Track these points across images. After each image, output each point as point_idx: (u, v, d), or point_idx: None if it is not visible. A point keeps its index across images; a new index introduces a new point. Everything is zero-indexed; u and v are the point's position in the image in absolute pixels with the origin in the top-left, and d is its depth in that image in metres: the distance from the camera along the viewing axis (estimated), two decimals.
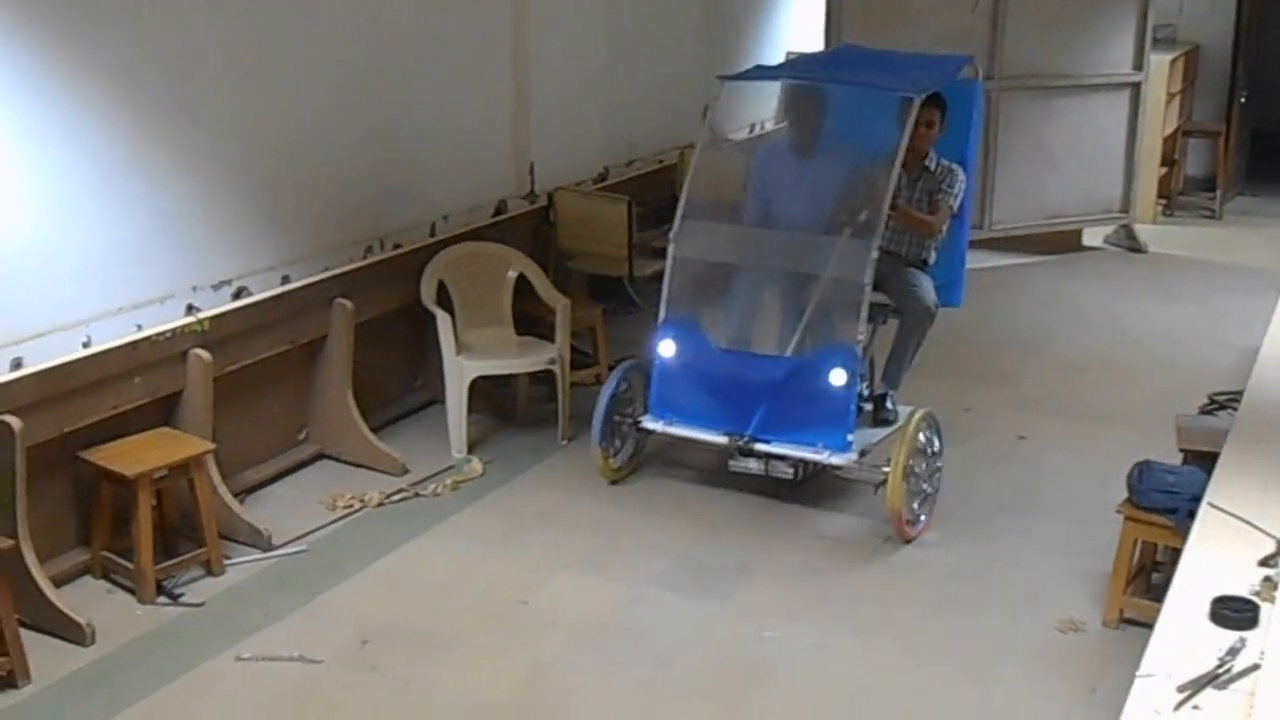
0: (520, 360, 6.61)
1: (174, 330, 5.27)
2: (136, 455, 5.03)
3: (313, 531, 5.60)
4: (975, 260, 10.24)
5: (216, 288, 5.57)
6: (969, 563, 5.53)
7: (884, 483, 5.54)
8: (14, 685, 4.45)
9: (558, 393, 6.60)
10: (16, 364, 4.71)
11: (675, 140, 8.96)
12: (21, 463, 4.57)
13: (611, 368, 6.76)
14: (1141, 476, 4.94)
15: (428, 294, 6.46)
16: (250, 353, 5.68)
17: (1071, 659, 4.82)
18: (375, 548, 5.45)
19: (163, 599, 5.04)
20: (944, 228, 6.17)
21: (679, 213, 5.94)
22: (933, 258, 6.27)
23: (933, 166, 6.14)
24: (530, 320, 6.87)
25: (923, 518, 5.74)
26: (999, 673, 4.74)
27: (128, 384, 5.07)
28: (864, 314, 5.57)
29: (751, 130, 9.19)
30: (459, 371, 6.32)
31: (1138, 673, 3.14)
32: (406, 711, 4.47)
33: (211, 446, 5.28)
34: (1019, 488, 6.26)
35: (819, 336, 5.83)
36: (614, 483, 6.05)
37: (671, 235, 5.91)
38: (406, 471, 6.14)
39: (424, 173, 6.79)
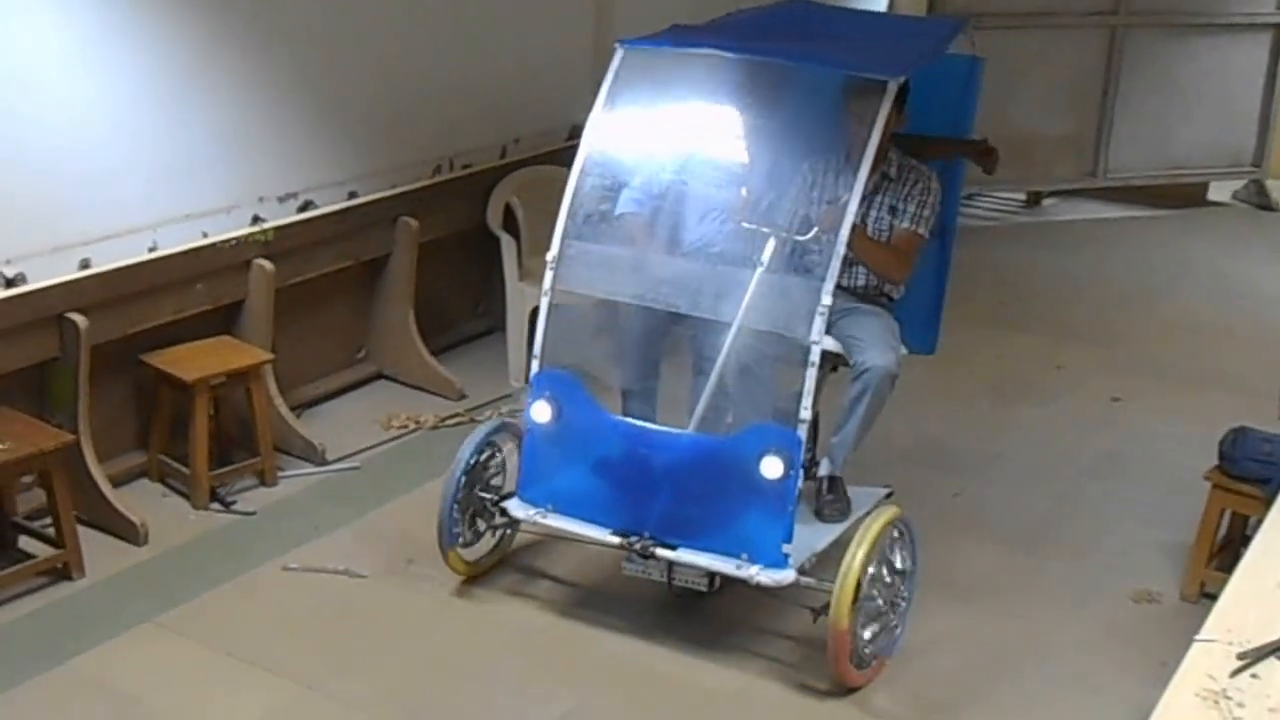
0: None
1: (238, 239, 5.79)
2: (196, 361, 5.57)
3: (366, 449, 6.12)
4: (1086, 210, 10.68)
5: (283, 199, 6.07)
6: (1045, 526, 5.87)
7: (826, 609, 4.54)
8: (68, 577, 5.02)
9: None
10: (85, 264, 5.25)
11: None
12: (85, 361, 5.13)
13: None
14: (1236, 443, 5.14)
15: (494, 217, 6.91)
16: (313, 266, 6.20)
17: (1144, 631, 5.09)
18: (427, 469, 5.84)
19: (215, 505, 5.59)
20: (912, 268, 5.17)
21: (559, 229, 4.84)
22: (899, 291, 5.29)
23: (894, 172, 5.11)
24: None
25: (877, 657, 4.71)
26: (1067, 639, 5.06)
27: (191, 290, 5.60)
28: (810, 384, 4.49)
29: None
30: (521, 298, 6.74)
31: (1197, 636, 3.27)
32: (447, 629, 4.96)
33: (270, 357, 5.81)
34: (1107, 451, 6.58)
35: (747, 410, 4.85)
36: (471, 579, 5.18)
37: (549, 259, 4.83)
38: (463, 397, 6.62)
39: (497, 93, 7.20)
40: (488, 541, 5.17)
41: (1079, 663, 4.93)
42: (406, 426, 6.33)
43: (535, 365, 4.83)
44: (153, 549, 5.28)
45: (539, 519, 4.81)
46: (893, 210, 5.09)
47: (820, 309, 4.44)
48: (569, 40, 7.74)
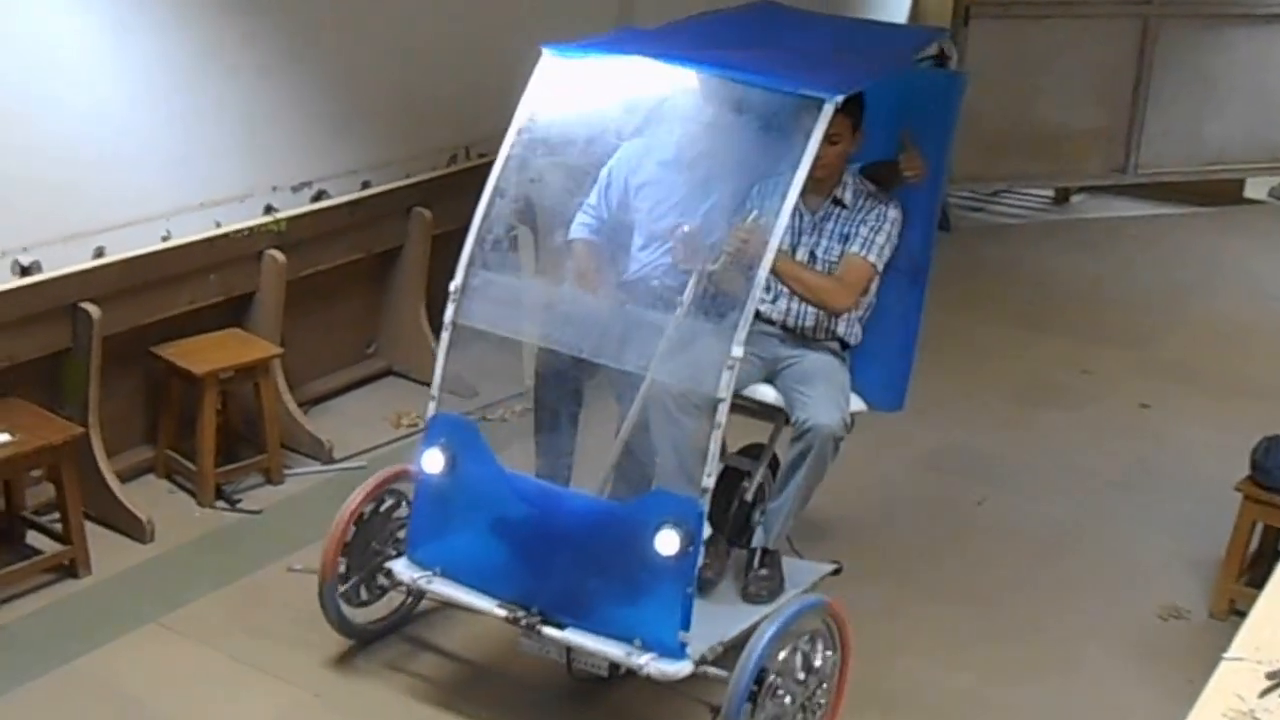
0: None
1: (251, 229, 5.90)
2: (206, 354, 5.68)
3: (375, 448, 6.22)
4: (1116, 207, 10.71)
5: (296, 189, 6.18)
6: (1070, 537, 5.94)
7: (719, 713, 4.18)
8: (74, 575, 5.13)
9: None
10: (99, 253, 5.35)
11: None
12: (97, 352, 5.23)
13: None
14: (1269, 452, 5.17)
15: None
16: (325, 258, 6.30)
17: (1171, 648, 5.15)
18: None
19: (221, 504, 5.70)
20: (855, 298, 4.73)
21: (464, 255, 4.48)
22: (855, 335, 4.86)
23: (847, 199, 4.73)
24: None
25: None
26: (1090, 655, 5.11)
27: (204, 281, 5.71)
28: (714, 448, 4.04)
29: None
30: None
31: (1225, 655, 3.27)
32: (453, 631, 4.99)
33: (279, 351, 5.91)
34: (1135, 460, 6.64)
35: (644, 475, 4.53)
36: (369, 643, 4.88)
37: (452, 290, 4.48)
38: (475, 395, 6.61)
39: (514, 81, 7.26)
40: (394, 599, 4.89)
41: (1103, 680, 4.99)
42: (416, 425, 6.40)
43: (431, 407, 4.50)
44: (158, 547, 5.38)
45: (423, 584, 4.46)
46: (845, 239, 4.69)
47: (729, 361, 4.00)
48: (588, 27, 7.79)
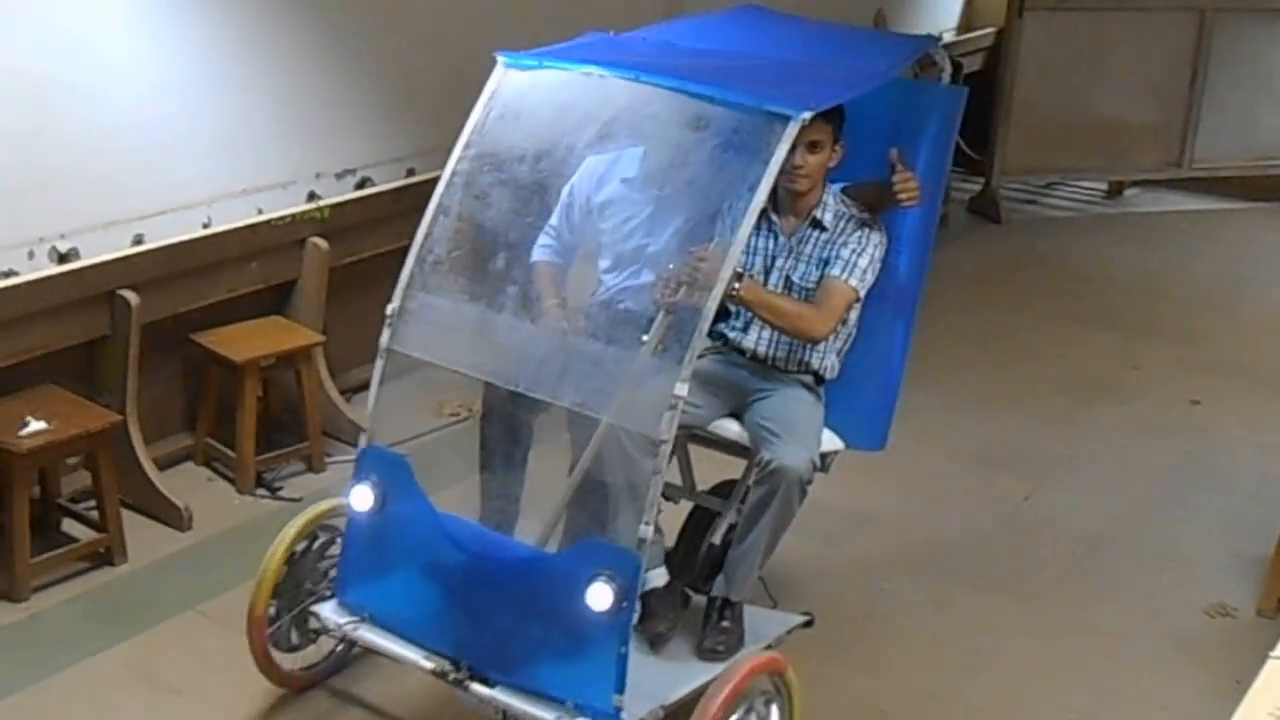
0: None
1: (294, 216, 5.83)
2: (246, 341, 5.61)
3: (416, 437, 6.09)
4: (1170, 202, 10.59)
5: (340, 176, 6.11)
6: (1117, 533, 5.83)
7: None
8: (110, 563, 5.08)
9: None
10: (138, 240, 5.30)
11: None
12: (136, 340, 5.17)
13: None
14: None
15: None
16: (368, 245, 6.21)
17: (1217, 646, 5.07)
18: (476, 461, 5.90)
19: (261, 491, 5.63)
20: (833, 326, 4.27)
21: (404, 276, 4.15)
22: (831, 368, 4.46)
23: (827, 220, 4.31)
24: None
25: None
26: (1136, 652, 5.04)
27: (244, 268, 5.64)
28: (654, 494, 3.66)
29: None
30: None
31: (1272, 654, 3.28)
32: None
33: (321, 339, 5.84)
34: (1184, 456, 6.53)
35: (581, 523, 4.14)
36: (303, 690, 4.52)
37: (388, 313, 4.16)
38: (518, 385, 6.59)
39: None
40: (327, 645, 4.49)
41: (1148, 677, 4.92)
42: (458, 414, 6.33)
43: (362, 439, 4.17)
44: (196, 535, 5.32)
45: (350, 631, 4.09)
46: (824, 263, 4.27)
47: (671, 401, 3.61)
48: (637, 10, 7.72)
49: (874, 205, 4.33)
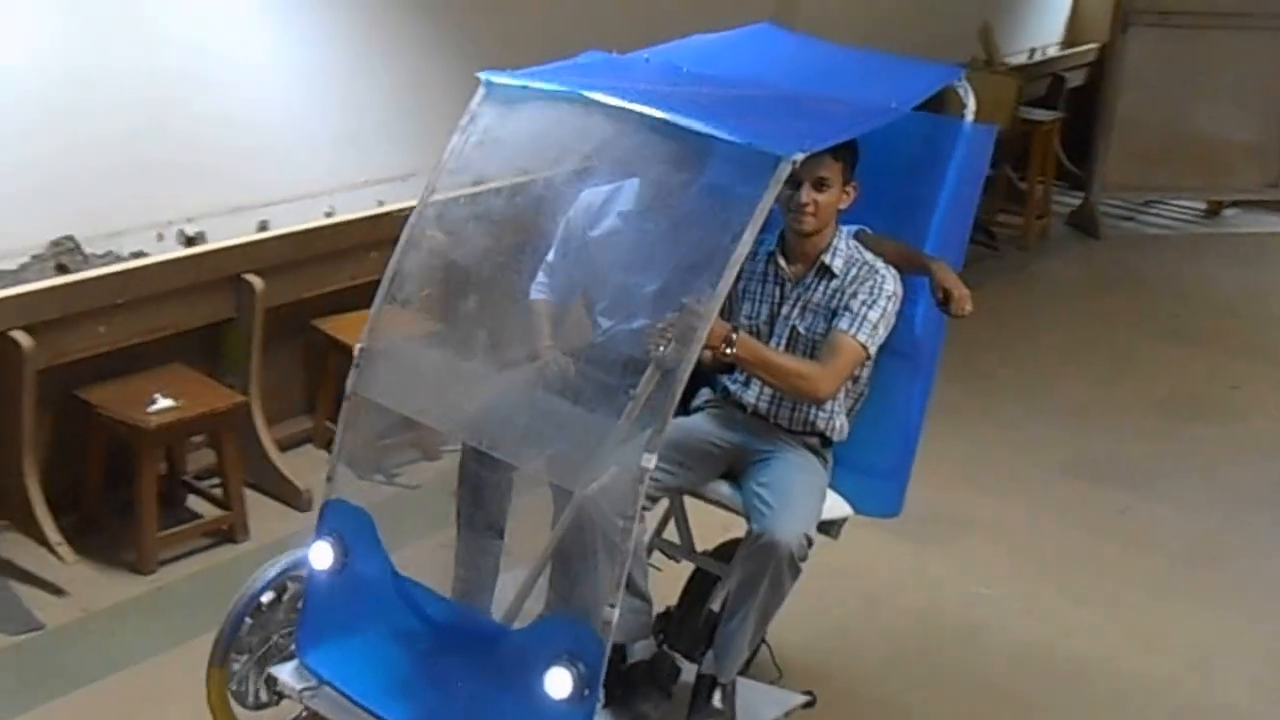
0: None
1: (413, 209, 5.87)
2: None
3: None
4: (1270, 223, 10.47)
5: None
6: (1210, 550, 5.78)
7: None
8: (233, 540, 5.18)
9: None
10: (263, 226, 5.42)
11: (942, 59, 9.24)
12: (259, 323, 5.28)
13: None
14: None
15: None
16: None
17: None
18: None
19: (379, 476, 5.69)
20: (838, 385, 3.82)
21: (373, 313, 3.77)
22: (839, 429, 3.99)
23: (837, 266, 3.85)
24: None
25: None
26: (1223, 668, 4.99)
27: (365, 257, 5.70)
28: (621, 575, 3.25)
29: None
30: None
31: None
32: None
33: (439, 328, 5.89)
34: None
35: (561, 595, 3.69)
36: None
37: (356, 351, 3.75)
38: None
39: None
40: (291, 707, 3.92)
41: (1235, 694, 4.87)
42: None
43: (325, 489, 3.78)
44: (314, 516, 5.37)
45: (306, 699, 3.68)
46: (832, 315, 3.82)
47: (638, 474, 3.20)
48: (747, 12, 7.73)
49: (895, 263, 3.88)
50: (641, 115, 3.44)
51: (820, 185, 3.71)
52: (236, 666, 3.90)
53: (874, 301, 3.76)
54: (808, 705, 4.22)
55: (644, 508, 3.42)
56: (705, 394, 4.01)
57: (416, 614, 3.59)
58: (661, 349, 3.28)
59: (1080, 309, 8.69)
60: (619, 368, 3.51)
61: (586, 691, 3.24)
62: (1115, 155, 10.00)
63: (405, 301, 3.78)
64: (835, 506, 4.04)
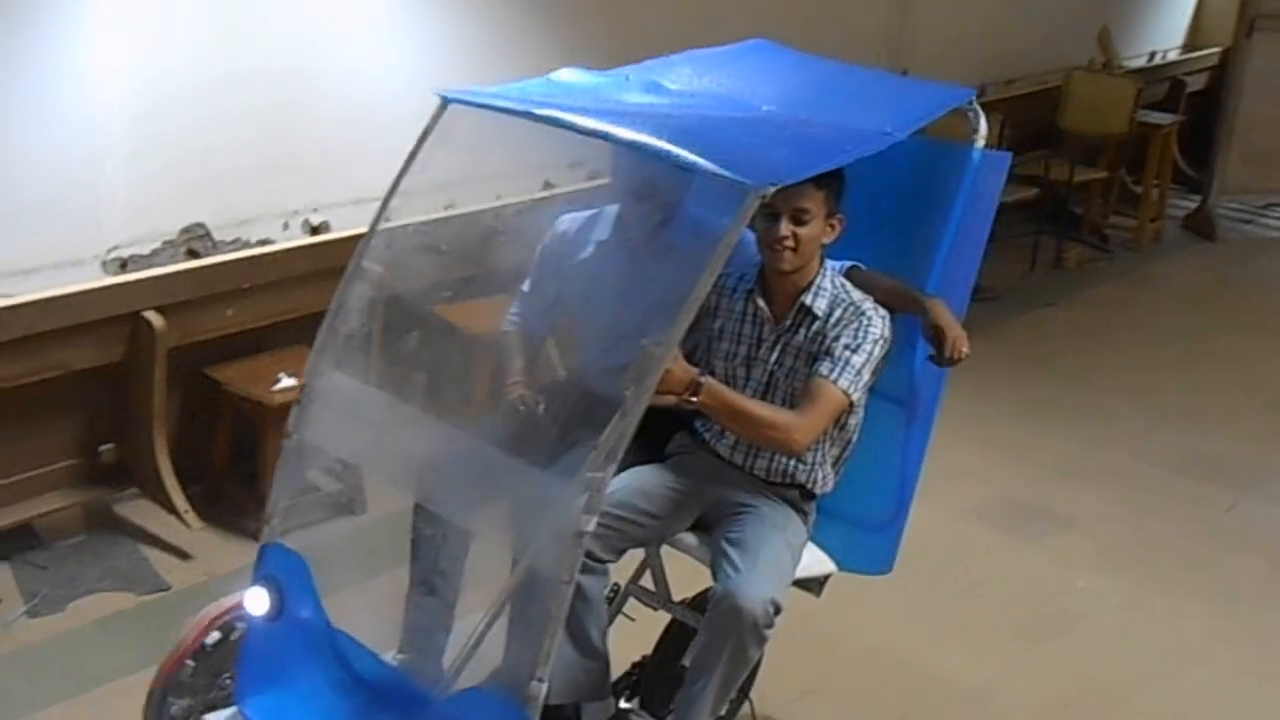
0: None
1: (533, 202, 5.95)
2: (478, 321, 5.76)
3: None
4: None
5: (572, 167, 6.19)
6: None
7: None
8: (352, 511, 5.33)
9: None
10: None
11: (1059, 61, 9.21)
12: (381, 311, 5.36)
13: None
14: None
15: None
16: None
17: None
18: None
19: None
20: (815, 436, 3.41)
21: (316, 346, 3.44)
22: (822, 481, 3.61)
23: (820, 307, 3.45)
24: None
25: None
26: None
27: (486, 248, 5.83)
28: (547, 646, 2.86)
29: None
30: None
31: None
32: None
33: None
34: None
35: (486, 666, 3.27)
36: None
37: (299, 389, 3.46)
38: None
39: None
40: None
41: None
42: None
43: (266, 531, 3.45)
44: None
45: None
46: (812, 360, 3.43)
47: (574, 536, 2.84)
48: (866, 26, 7.78)
49: (888, 303, 3.50)
50: (606, 138, 3.07)
51: (800, 218, 3.32)
52: (176, 710, 3.58)
53: (858, 345, 3.37)
54: None
55: (604, 561, 3.32)
56: (681, 440, 3.68)
57: (349, 671, 3.30)
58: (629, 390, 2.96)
59: (1194, 311, 8.61)
60: (583, 413, 3.24)
61: None
62: (1235, 159, 9.86)
63: (350, 336, 3.46)
64: (817, 563, 3.69)
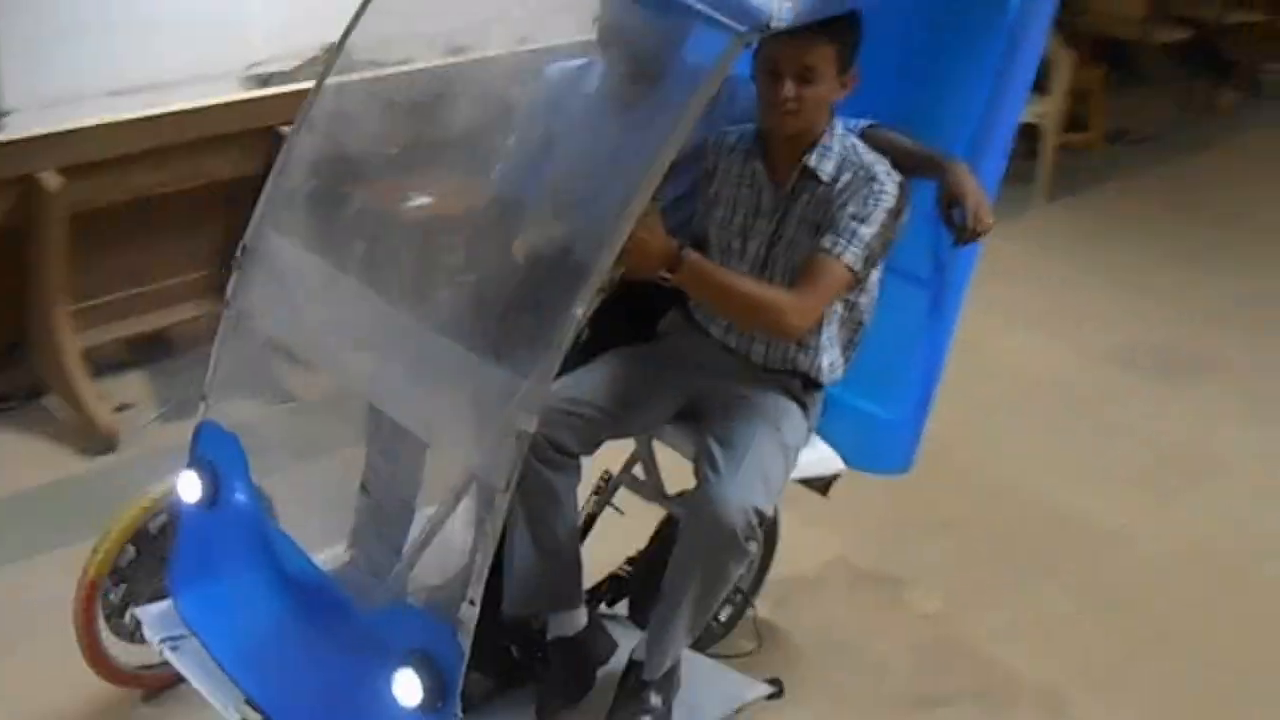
0: None
1: None
2: None
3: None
4: None
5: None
6: None
7: None
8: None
9: (1040, 150, 6.86)
10: None
11: None
12: None
13: (1111, 140, 6.90)
14: None
15: None
16: None
17: None
18: None
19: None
20: (812, 317, 2.90)
21: (259, 209, 2.98)
22: (828, 369, 3.08)
23: (826, 170, 2.93)
24: None
25: None
26: None
27: None
28: (482, 559, 2.48)
29: None
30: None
31: None
32: None
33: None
34: None
35: (438, 576, 2.96)
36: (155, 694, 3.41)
37: (238, 254, 3.00)
38: None
39: None
40: None
41: None
42: None
43: (201, 408, 3.02)
44: None
45: (165, 651, 2.99)
46: (816, 230, 2.92)
47: (512, 432, 2.43)
48: None
49: (905, 167, 2.95)
50: None
51: (806, 76, 2.80)
52: (114, 598, 3.22)
53: (868, 215, 2.85)
54: (773, 696, 3.27)
55: (575, 454, 2.88)
56: (673, 318, 3.19)
57: (281, 572, 2.92)
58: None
59: None
60: (532, 289, 2.87)
61: (440, 703, 2.53)
62: None
63: (292, 193, 2.99)
64: (822, 461, 3.23)
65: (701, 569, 2.86)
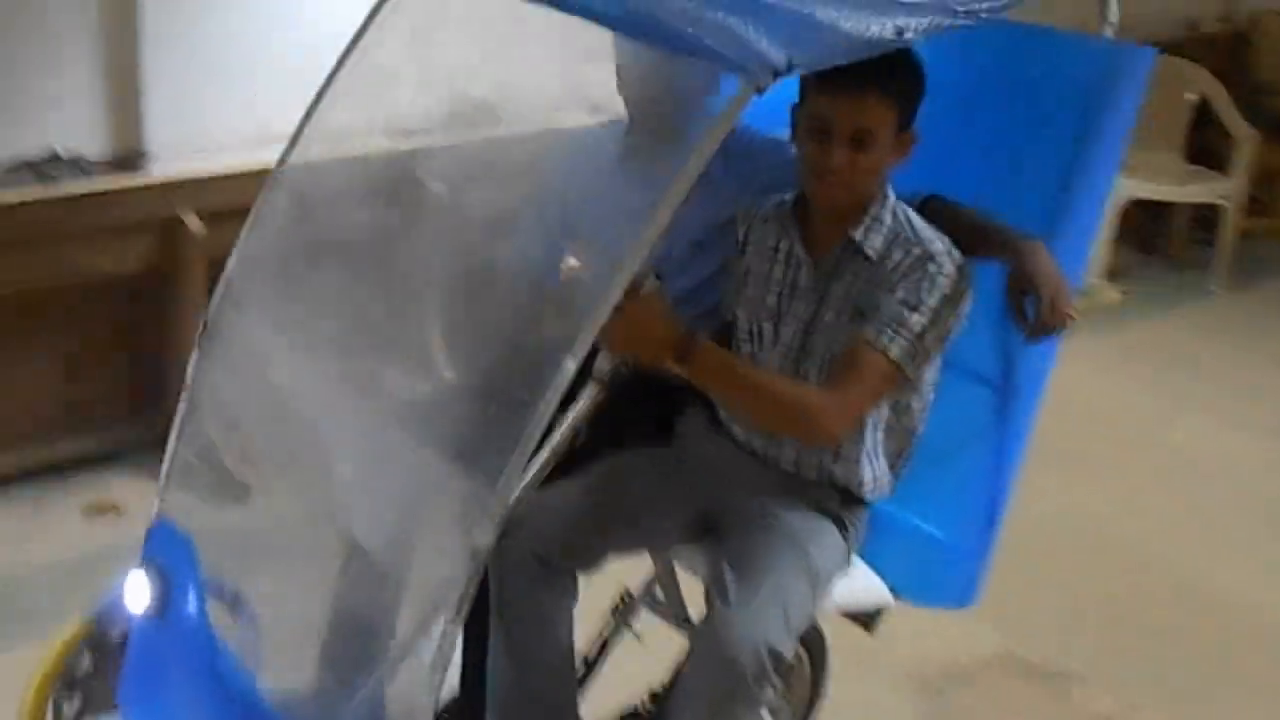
0: (1184, 189, 6.54)
1: None
2: None
3: None
4: None
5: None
6: None
7: None
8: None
9: (1219, 234, 6.64)
10: None
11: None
12: None
13: None
14: None
15: None
16: None
17: None
18: None
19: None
20: (853, 420, 2.48)
21: (223, 281, 2.69)
22: (875, 483, 2.65)
23: (874, 245, 2.51)
24: (1204, 152, 6.79)
25: None
26: None
27: None
28: (433, 695, 2.23)
29: None
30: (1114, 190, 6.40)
31: None
32: None
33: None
34: None
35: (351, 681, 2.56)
36: None
37: (209, 314, 2.70)
38: None
39: None
40: None
41: None
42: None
43: (157, 505, 2.76)
44: None
45: None
46: (860, 314, 2.50)
47: (460, 550, 2.16)
48: None
49: (970, 246, 2.52)
50: (579, 16, 2.25)
51: (861, 140, 2.39)
52: (67, 709, 2.92)
53: (920, 301, 2.42)
54: None
55: (569, 569, 2.54)
56: (693, 417, 2.76)
57: (226, 695, 2.62)
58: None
59: None
60: (503, 378, 2.41)
61: None
62: None
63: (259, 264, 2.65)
64: (866, 591, 2.78)
65: (707, 714, 2.42)
